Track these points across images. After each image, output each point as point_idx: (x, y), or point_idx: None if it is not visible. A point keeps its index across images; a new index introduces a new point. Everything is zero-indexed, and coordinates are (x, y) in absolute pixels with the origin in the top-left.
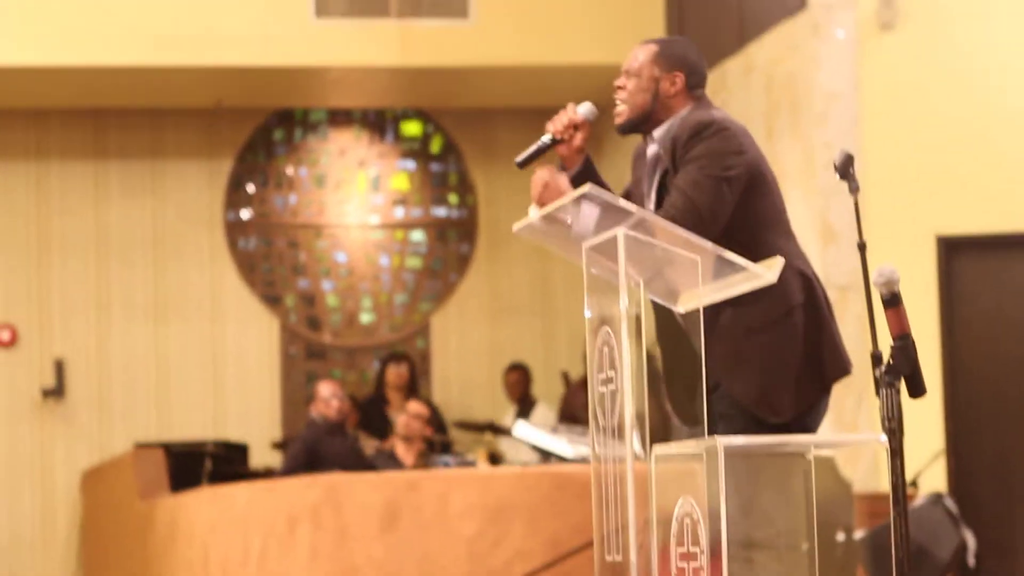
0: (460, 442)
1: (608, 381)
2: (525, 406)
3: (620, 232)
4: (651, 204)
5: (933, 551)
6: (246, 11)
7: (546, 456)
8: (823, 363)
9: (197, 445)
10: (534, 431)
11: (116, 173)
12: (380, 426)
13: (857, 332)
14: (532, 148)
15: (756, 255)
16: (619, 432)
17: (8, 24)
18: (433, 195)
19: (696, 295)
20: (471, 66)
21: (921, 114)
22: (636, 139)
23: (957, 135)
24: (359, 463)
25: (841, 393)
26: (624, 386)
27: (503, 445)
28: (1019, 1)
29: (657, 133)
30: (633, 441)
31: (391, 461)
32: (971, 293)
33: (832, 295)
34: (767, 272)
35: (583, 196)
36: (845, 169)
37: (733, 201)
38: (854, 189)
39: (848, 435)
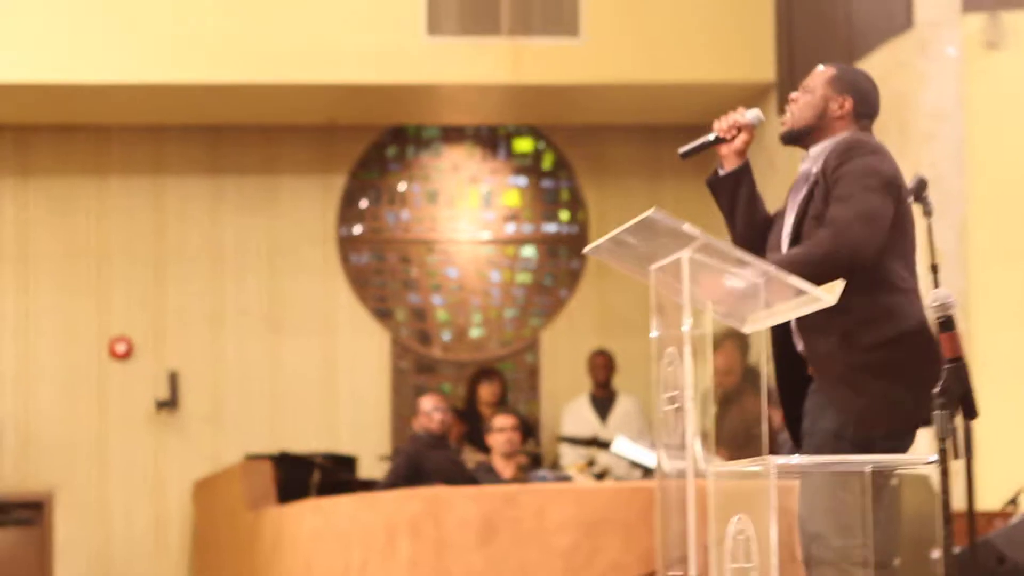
0: (566, 456)
1: (672, 400)
2: (607, 393)
3: (685, 255)
4: (792, 217)
5: None
6: (359, 29)
7: (647, 471)
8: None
9: (306, 457)
10: (633, 446)
11: (232, 188)
12: (479, 440)
13: None
14: (696, 142)
15: (876, 281)
16: (682, 451)
17: (127, 43)
18: (544, 211)
19: (761, 316)
20: (582, 84)
21: None
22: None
23: None
24: (461, 476)
25: None
26: (687, 405)
27: (609, 459)
28: None
29: (814, 151)
30: (696, 459)
31: (491, 475)
32: None
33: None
34: (827, 296)
35: (647, 219)
36: (919, 193)
37: (891, 209)
38: (927, 212)
39: (907, 456)
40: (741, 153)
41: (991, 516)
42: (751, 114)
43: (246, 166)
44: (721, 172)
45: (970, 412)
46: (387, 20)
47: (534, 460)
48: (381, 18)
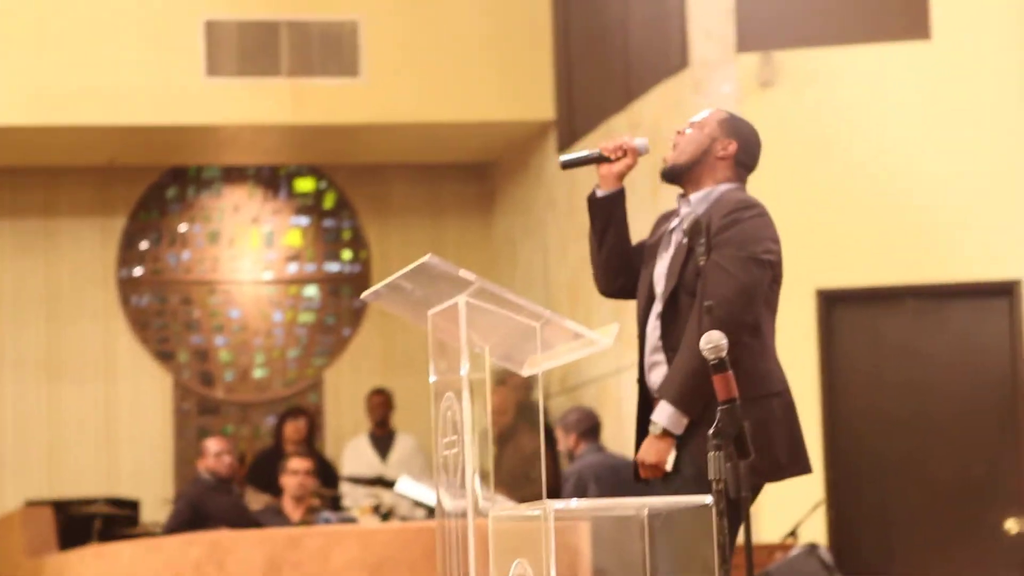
0: (350, 496)
1: (451, 445)
2: (386, 432)
3: (461, 299)
4: (669, 260)
5: None
6: (138, 70)
7: (431, 511)
8: (789, 457)
9: (87, 502)
10: (416, 486)
11: (8, 232)
12: (275, 481)
13: None
14: (579, 154)
15: (759, 338)
16: (462, 493)
17: None
18: (326, 251)
19: (536, 360)
20: (363, 123)
21: (801, 169)
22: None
23: (835, 189)
24: (244, 519)
25: None
26: (466, 448)
27: (392, 498)
28: (894, 61)
29: (694, 197)
30: (476, 502)
31: (278, 517)
32: (849, 345)
33: None
34: (603, 339)
35: (423, 265)
36: (694, 235)
37: (769, 277)
38: (701, 254)
39: (682, 497)
40: (620, 176)
41: (771, 548)
42: (639, 141)
43: (23, 208)
44: (599, 193)
45: (743, 452)
46: (166, 61)
47: (332, 502)
48: (160, 59)
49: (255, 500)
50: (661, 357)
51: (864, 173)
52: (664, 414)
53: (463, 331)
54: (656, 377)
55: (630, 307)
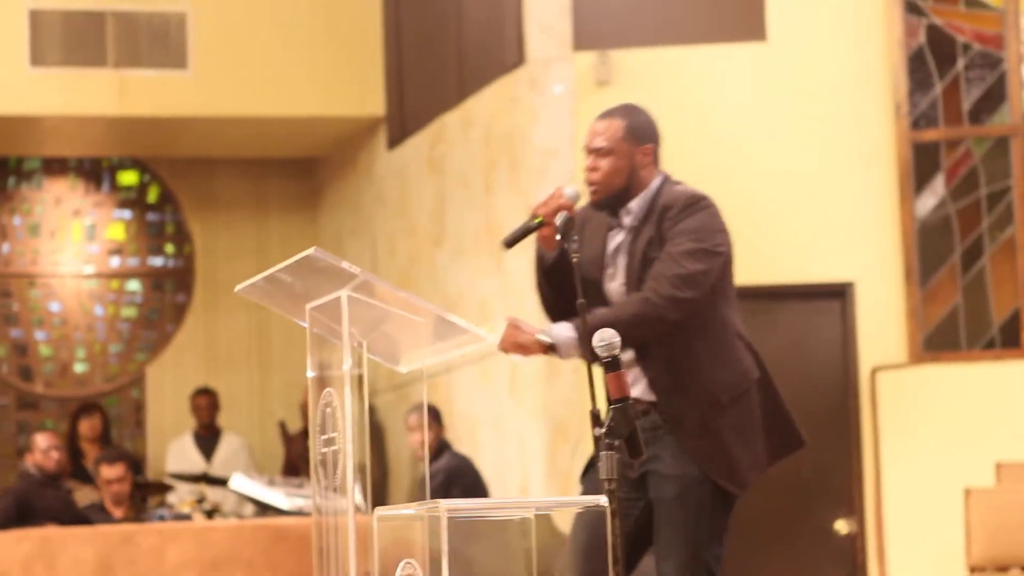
0: (174, 492)
1: (330, 442)
2: (210, 433)
3: (343, 294)
4: (622, 269)
5: None
6: None
7: (263, 508)
8: (778, 438)
9: None
10: (251, 484)
11: None
12: (83, 476)
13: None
14: (519, 228)
15: (714, 328)
16: (341, 491)
17: None
18: (149, 245)
19: (420, 355)
20: (189, 116)
21: None
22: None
23: None
24: (72, 516)
25: (557, 442)
26: (346, 446)
27: (217, 495)
28: (730, 62)
29: (634, 204)
30: (355, 500)
31: (103, 514)
32: None
33: None
34: (488, 335)
35: (306, 258)
36: (566, 232)
37: (717, 275)
38: (575, 251)
39: (570, 497)
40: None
41: None
42: (569, 191)
43: None
44: (548, 256)
45: (635, 450)
46: None
47: (142, 497)
48: None
49: (81, 496)
50: (637, 370)
51: (699, 174)
52: (565, 337)
53: (345, 326)
54: (637, 391)
55: (461, 308)
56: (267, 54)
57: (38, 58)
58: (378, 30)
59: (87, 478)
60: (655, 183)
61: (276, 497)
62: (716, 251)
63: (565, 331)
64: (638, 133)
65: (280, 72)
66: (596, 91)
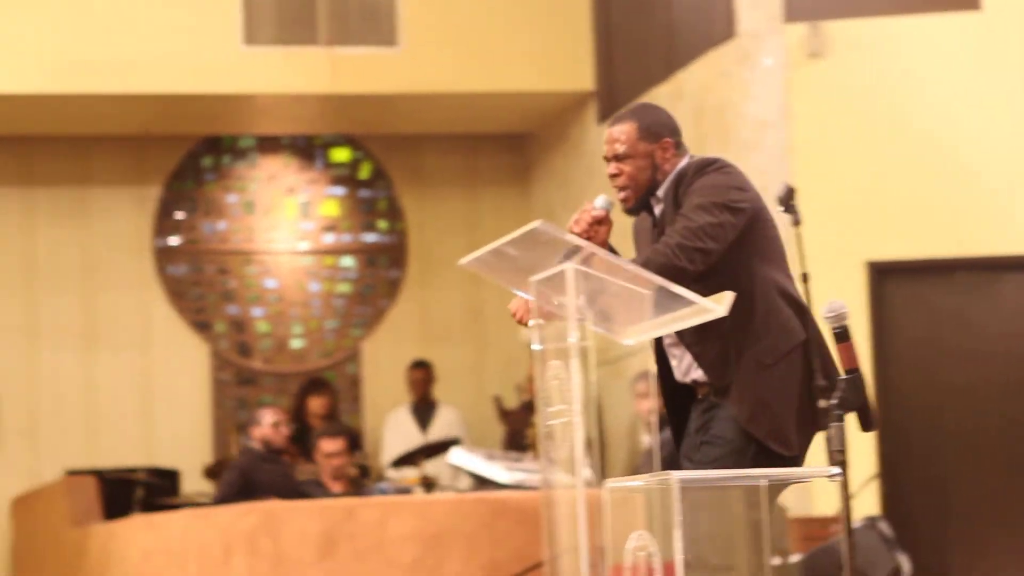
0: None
1: (557, 414)
2: (426, 405)
3: (569, 266)
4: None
5: (868, 574)
6: (175, 39)
7: (481, 482)
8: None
9: (128, 472)
10: (470, 457)
11: (44, 201)
12: (309, 453)
13: None
14: (564, 252)
15: (755, 289)
16: (571, 463)
17: None
18: (362, 221)
19: (644, 328)
20: (399, 93)
21: (850, 140)
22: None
23: (885, 161)
24: (293, 491)
25: None
26: (575, 418)
27: (433, 468)
28: (943, 31)
29: (661, 192)
30: (584, 472)
31: (321, 488)
32: (901, 318)
33: None
34: (717, 307)
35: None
36: (787, 201)
37: (736, 229)
38: (796, 222)
39: (801, 469)
40: (605, 243)
41: (826, 521)
42: (601, 202)
43: (58, 177)
44: None
45: (866, 424)
46: (203, 30)
47: (363, 471)
48: (197, 28)
49: (301, 471)
50: (679, 351)
51: (914, 145)
52: None
53: (571, 298)
54: (680, 372)
55: None
56: (477, 30)
57: (251, 37)
58: (587, 4)
59: (311, 455)
60: (681, 165)
61: (496, 471)
62: (731, 206)
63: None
64: (653, 130)
65: (490, 48)
66: (808, 63)
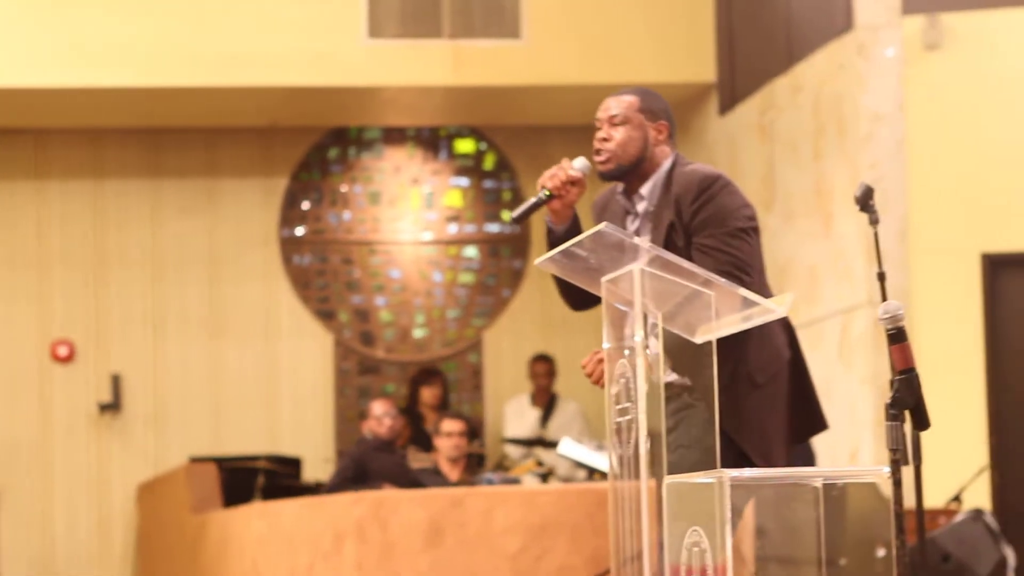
0: (509, 457)
1: (624, 412)
2: (546, 399)
3: (636, 268)
4: None
5: (973, 567)
6: (300, 32)
7: (592, 472)
8: (804, 419)
9: (250, 459)
10: (579, 448)
11: (172, 191)
12: (421, 441)
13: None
14: (528, 204)
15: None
16: (635, 461)
17: (66, 47)
18: (486, 211)
19: (711, 328)
20: (523, 85)
21: (966, 133)
22: None
23: (1002, 153)
24: (407, 479)
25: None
26: (639, 417)
27: (552, 459)
28: None
29: (645, 189)
30: (648, 470)
31: (436, 477)
32: (1015, 310)
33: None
34: (779, 308)
35: (599, 233)
36: (865, 202)
37: (756, 247)
38: (874, 221)
39: (858, 468)
40: (573, 205)
41: (935, 513)
42: (579, 164)
43: (186, 169)
44: (557, 229)
45: (921, 423)
46: (328, 23)
47: (478, 461)
48: (322, 21)
49: (416, 460)
50: None
51: None
52: None
53: (637, 299)
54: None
55: (790, 274)
56: (599, 22)
57: (376, 30)
58: None
59: (426, 444)
60: (666, 164)
61: (604, 461)
62: (751, 227)
63: None
64: (654, 108)
65: (612, 40)
66: (925, 56)
